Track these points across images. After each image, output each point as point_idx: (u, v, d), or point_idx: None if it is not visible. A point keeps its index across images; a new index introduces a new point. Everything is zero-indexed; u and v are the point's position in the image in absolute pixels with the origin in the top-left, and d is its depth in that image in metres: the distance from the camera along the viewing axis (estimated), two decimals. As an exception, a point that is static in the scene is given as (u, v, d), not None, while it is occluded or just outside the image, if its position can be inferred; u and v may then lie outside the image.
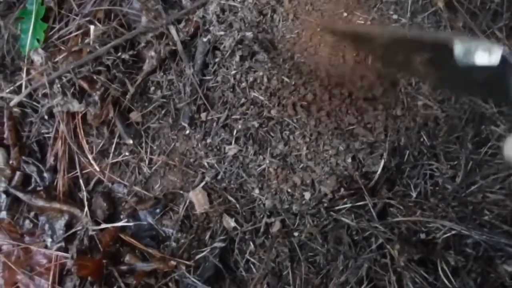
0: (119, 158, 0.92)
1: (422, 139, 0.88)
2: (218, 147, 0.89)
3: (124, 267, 0.85)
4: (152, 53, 0.92)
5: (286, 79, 0.87)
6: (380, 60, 0.82)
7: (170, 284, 0.82)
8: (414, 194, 0.85)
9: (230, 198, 0.86)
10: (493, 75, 0.54)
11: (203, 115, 0.90)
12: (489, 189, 0.82)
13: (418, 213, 0.82)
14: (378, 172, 0.85)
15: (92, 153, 0.93)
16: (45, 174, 0.93)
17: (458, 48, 0.53)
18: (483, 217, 0.80)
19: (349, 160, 0.85)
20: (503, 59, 0.51)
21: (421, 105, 0.89)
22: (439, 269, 0.79)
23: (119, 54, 0.93)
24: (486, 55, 0.52)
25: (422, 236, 0.82)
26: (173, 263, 0.81)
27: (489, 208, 0.81)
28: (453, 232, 0.80)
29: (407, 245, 0.80)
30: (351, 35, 0.80)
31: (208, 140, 0.89)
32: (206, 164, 0.89)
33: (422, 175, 0.86)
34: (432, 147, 0.87)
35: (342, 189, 0.85)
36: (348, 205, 0.84)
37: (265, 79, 0.87)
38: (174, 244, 0.85)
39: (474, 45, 0.52)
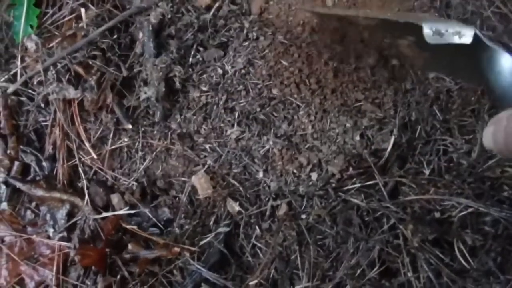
0: (118, 144, 0.89)
1: (434, 113, 0.83)
2: (219, 130, 0.85)
3: (127, 256, 0.83)
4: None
5: (284, 61, 0.82)
6: (367, 42, 0.81)
7: (174, 271, 0.80)
8: (427, 172, 0.80)
9: (234, 182, 0.82)
10: (464, 53, 0.58)
11: (203, 98, 0.86)
12: (508, 163, 0.77)
13: (431, 191, 0.78)
14: (388, 149, 0.81)
15: (90, 140, 0.90)
16: (44, 163, 0.91)
17: (427, 28, 0.57)
18: (502, 193, 0.75)
19: (357, 137, 0.81)
20: (476, 37, 0.53)
21: (432, 78, 0.84)
22: (456, 249, 0.75)
23: (114, 37, 0.90)
24: (457, 37, 0.55)
25: (437, 215, 0.77)
26: (176, 249, 0.78)
27: (508, 183, 0.76)
28: (470, 210, 0.75)
29: (421, 225, 0.75)
30: (334, 17, 0.79)
31: (209, 123, 0.85)
32: (207, 147, 0.86)
33: (435, 151, 0.81)
34: (445, 121, 0.82)
35: (350, 169, 0.81)
36: (358, 185, 0.80)
37: (262, 60, 0.83)
38: (177, 230, 0.83)
39: (443, 27, 0.56)
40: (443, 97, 0.83)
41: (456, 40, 0.55)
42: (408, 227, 0.76)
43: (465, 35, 0.54)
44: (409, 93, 0.84)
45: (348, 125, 0.81)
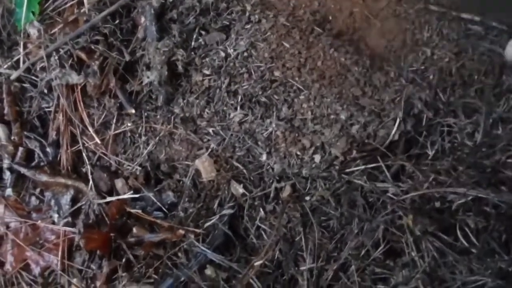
0: (122, 129, 0.90)
1: (438, 96, 0.83)
2: (223, 113, 0.85)
3: (132, 239, 0.83)
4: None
5: (286, 43, 0.82)
6: None
7: (179, 253, 0.80)
8: (431, 153, 0.80)
9: (237, 165, 0.82)
10: None
11: (205, 81, 0.86)
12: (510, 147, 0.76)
13: (432, 178, 0.77)
14: (392, 133, 0.81)
15: (93, 125, 0.90)
16: (48, 149, 0.91)
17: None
18: (503, 173, 0.75)
19: (357, 127, 0.81)
20: None
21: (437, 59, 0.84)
22: (458, 230, 0.74)
23: (116, 22, 0.90)
24: None
25: (437, 204, 0.76)
26: (181, 232, 0.78)
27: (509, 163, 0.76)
28: (470, 197, 0.75)
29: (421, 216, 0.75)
30: None
31: (212, 107, 0.85)
32: (211, 131, 0.86)
33: (439, 132, 0.81)
34: (449, 104, 0.82)
35: (354, 152, 0.81)
36: (362, 167, 0.80)
37: (265, 43, 0.83)
38: (182, 213, 0.83)
39: None
40: (446, 78, 0.83)
41: None
42: (409, 217, 0.75)
43: None
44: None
45: (346, 114, 0.81)
